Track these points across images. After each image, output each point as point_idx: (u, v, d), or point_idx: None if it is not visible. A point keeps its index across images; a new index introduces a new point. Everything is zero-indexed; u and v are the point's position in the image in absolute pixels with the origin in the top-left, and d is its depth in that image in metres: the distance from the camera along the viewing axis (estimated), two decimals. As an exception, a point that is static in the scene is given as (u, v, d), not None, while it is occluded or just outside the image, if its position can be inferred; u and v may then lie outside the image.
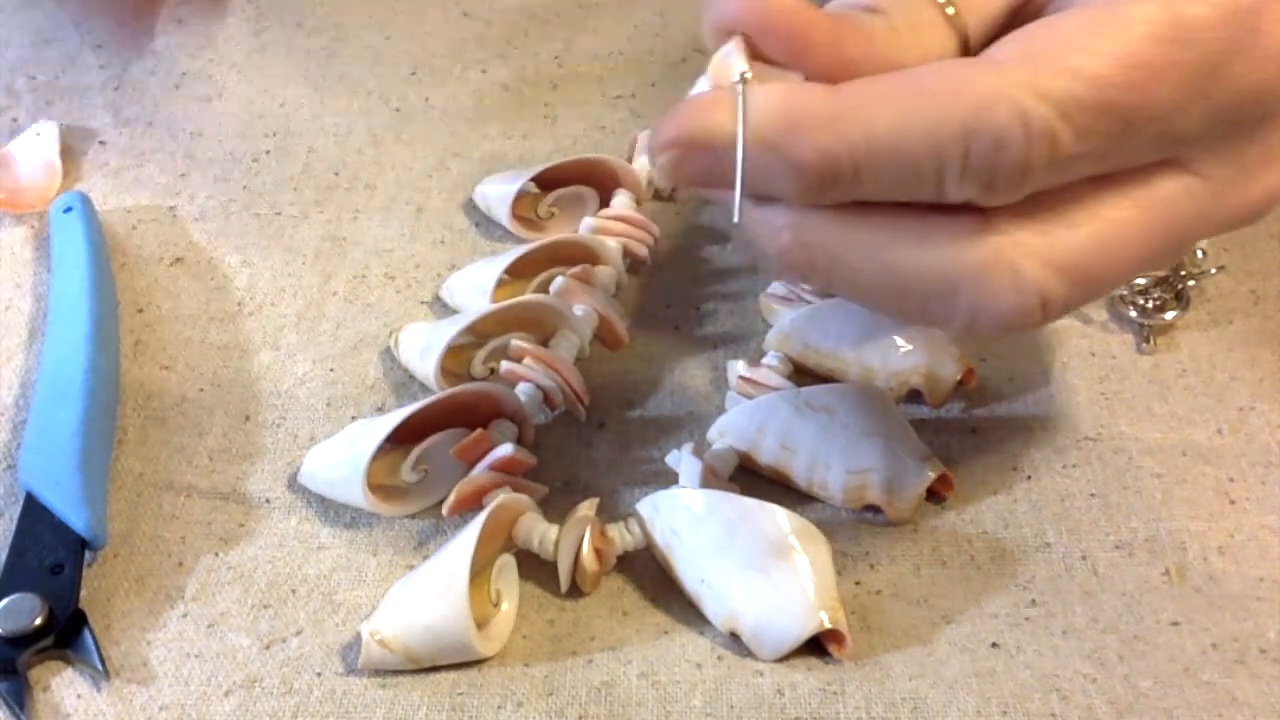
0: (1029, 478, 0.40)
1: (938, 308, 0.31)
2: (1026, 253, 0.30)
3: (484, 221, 0.51)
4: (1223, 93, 0.30)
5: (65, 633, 0.35)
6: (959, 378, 0.42)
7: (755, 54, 0.30)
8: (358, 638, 0.35)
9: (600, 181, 0.50)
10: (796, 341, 0.43)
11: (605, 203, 0.50)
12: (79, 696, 0.34)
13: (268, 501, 0.40)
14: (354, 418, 0.42)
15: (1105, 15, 0.29)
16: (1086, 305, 0.46)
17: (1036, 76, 0.28)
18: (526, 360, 0.42)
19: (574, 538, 0.37)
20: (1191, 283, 0.46)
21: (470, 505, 0.38)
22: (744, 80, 0.29)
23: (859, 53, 0.30)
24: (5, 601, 0.36)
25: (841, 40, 0.30)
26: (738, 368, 0.42)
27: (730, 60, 0.30)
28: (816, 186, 0.29)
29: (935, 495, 0.40)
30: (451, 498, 0.38)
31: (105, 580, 0.37)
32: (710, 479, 0.38)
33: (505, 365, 0.42)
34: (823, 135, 0.29)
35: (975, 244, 0.30)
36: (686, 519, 0.36)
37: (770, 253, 0.31)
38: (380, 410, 0.43)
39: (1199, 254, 0.47)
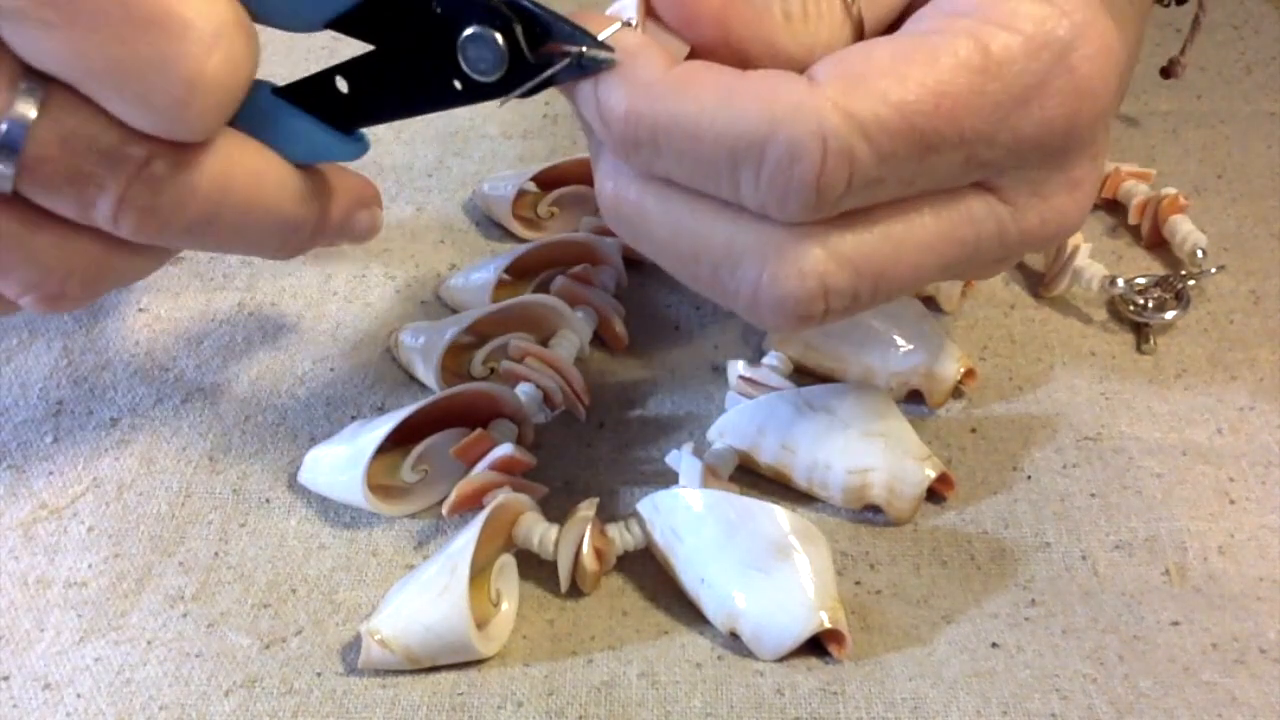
0: (1029, 478, 0.40)
1: (725, 280, 0.31)
2: (815, 242, 0.30)
3: (484, 221, 0.51)
4: (1029, 124, 0.30)
5: None
6: (959, 378, 0.42)
7: (651, 13, 0.31)
8: (358, 638, 0.35)
9: (600, 181, 0.50)
10: (796, 341, 0.43)
11: (605, 203, 0.50)
12: (79, 696, 0.34)
13: (268, 501, 0.40)
14: (354, 418, 0.42)
15: (917, 43, 0.30)
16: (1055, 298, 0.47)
17: (846, 96, 0.29)
18: (526, 360, 0.42)
19: (574, 538, 0.37)
20: (1191, 283, 0.46)
21: (470, 505, 0.38)
22: (624, 24, 0.31)
23: (747, 33, 0.31)
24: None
25: (729, 18, 0.31)
26: (738, 368, 0.42)
27: (623, 6, 0.31)
28: (619, 144, 0.30)
29: (935, 495, 0.40)
30: (451, 498, 0.38)
31: (106, 581, 0.37)
32: (710, 479, 0.38)
33: (505, 365, 0.42)
34: (635, 98, 0.30)
35: (765, 225, 0.30)
36: (686, 519, 0.36)
37: (597, 191, 0.33)
38: (380, 410, 0.43)
39: (1199, 254, 0.47)
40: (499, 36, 0.30)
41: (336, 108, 0.33)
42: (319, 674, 0.35)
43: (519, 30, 0.30)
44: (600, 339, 0.45)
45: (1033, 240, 0.33)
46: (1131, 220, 0.50)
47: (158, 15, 0.28)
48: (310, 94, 0.33)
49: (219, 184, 0.32)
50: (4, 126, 0.29)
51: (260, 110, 0.32)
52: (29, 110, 0.29)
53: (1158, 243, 0.49)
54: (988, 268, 0.34)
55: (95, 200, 0.31)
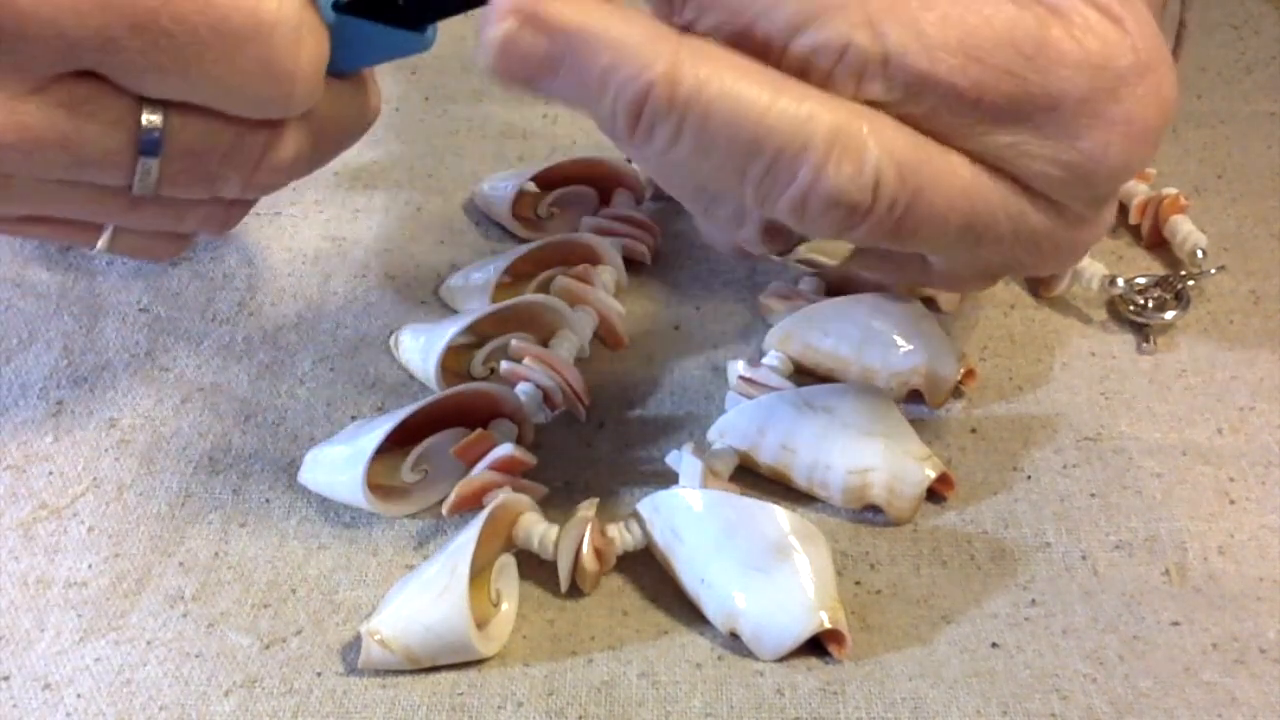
0: (1029, 478, 0.40)
1: (782, 168, 0.29)
2: (878, 135, 0.29)
3: (484, 221, 0.51)
4: (1048, 128, 0.30)
5: None
6: (959, 378, 0.42)
7: None
8: (358, 638, 0.35)
9: (600, 181, 0.50)
10: (796, 341, 0.43)
11: (605, 202, 0.50)
12: (79, 696, 0.34)
13: (268, 501, 0.40)
14: (354, 418, 0.42)
15: None
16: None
17: (886, 14, 0.28)
18: (526, 360, 0.42)
19: (574, 538, 0.37)
20: (1191, 283, 0.46)
21: (470, 505, 0.38)
22: None
23: None
24: None
25: None
26: (738, 368, 0.42)
27: None
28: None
29: (935, 495, 0.40)
30: (451, 498, 0.38)
31: (106, 581, 0.37)
32: (710, 479, 0.38)
33: (505, 365, 0.42)
34: None
35: (837, 104, 0.29)
36: (686, 519, 0.36)
37: (635, 85, 0.29)
38: (380, 410, 0.43)
39: (1199, 254, 0.47)
40: None
41: (395, 12, 0.34)
42: (319, 674, 0.35)
43: None
44: (600, 339, 0.45)
45: (1055, 255, 0.33)
46: (1131, 220, 0.50)
47: (248, 27, 0.30)
48: (368, 3, 0.34)
49: (317, 132, 0.35)
50: (141, 155, 0.32)
51: (328, 25, 0.33)
52: (156, 132, 0.32)
53: (1158, 243, 0.49)
54: (991, 245, 0.33)
55: (223, 188, 0.34)
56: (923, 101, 0.29)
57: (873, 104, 0.30)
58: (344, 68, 0.34)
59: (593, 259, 0.46)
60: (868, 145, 0.29)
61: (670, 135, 0.29)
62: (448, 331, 0.42)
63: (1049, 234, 0.32)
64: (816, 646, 0.35)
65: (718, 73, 0.29)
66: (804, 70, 0.29)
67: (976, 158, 0.31)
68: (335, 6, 0.33)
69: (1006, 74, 0.29)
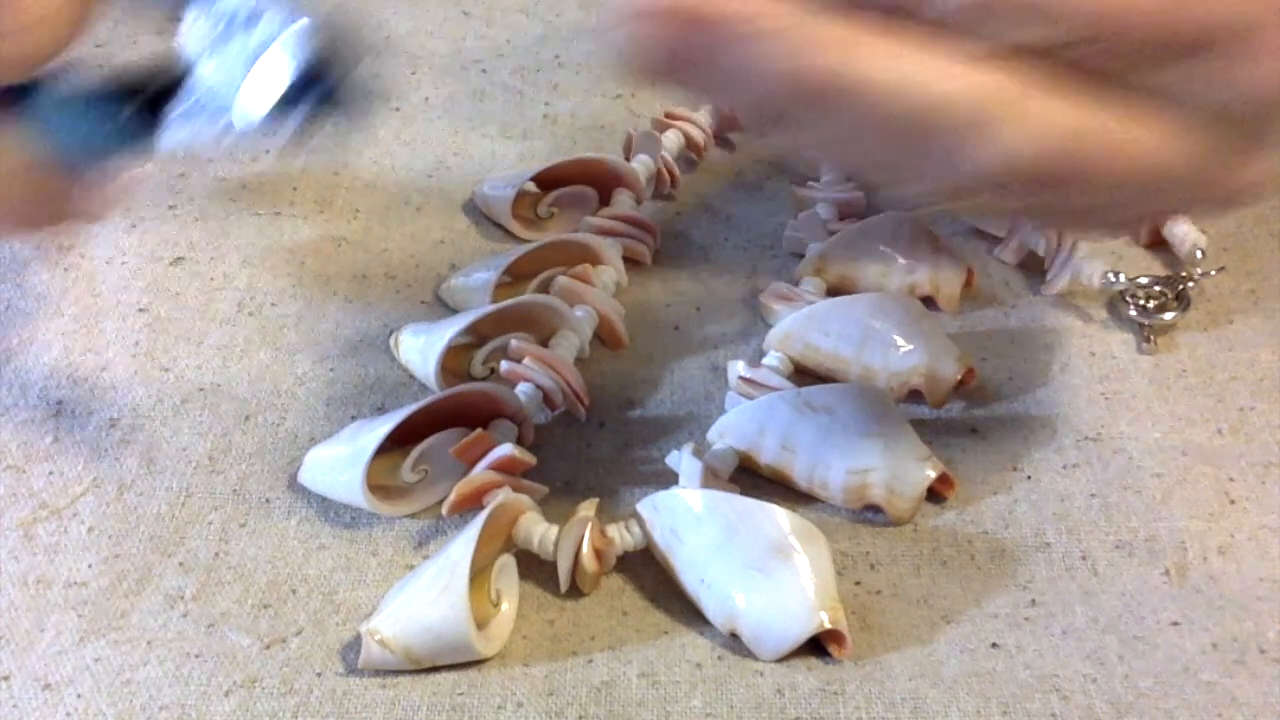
0: (1029, 478, 0.40)
1: (935, 147, 0.28)
2: (1039, 106, 0.28)
3: (484, 221, 0.51)
4: (1220, 60, 0.28)
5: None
6: (959, 378, 0.42)
7: None
8: (358, 638, 0.35)
9: (600, 181, 0.50)
10: (796, 341, 0.43)
11: (605, 202, 0.50)
12: (79, 696, 0.34)
13: (268, 501, 0.40)
14: (354, 418, 0.42)
15: None
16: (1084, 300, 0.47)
17: None
18: (526, 360, 0.42)
19: (574, 538, 0.37)
20: (1191, 283, 0.46)
21: (470, 505, 0.38)
22: None
23: None
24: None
25: None
26: (738, 368, 0.42)
27: None
28: None
29: (935, 495, 0.40)
30: (451, 498, 0.38)
31: (106, 581, 0.37)
32: (710, 479, 0.38)
33: (505, 365, 0.42)
34: None
35: (993, 80, 0.28)
36: (686, 519, 0.36)
37: (786, 71, 0.27)
38: (380, 410, 0.43)
39: (1199, 254, 0.47)
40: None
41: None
42: (319, 674, 0.35)
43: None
44: (600, 339, 0.45)
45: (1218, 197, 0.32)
46: (1131, 220, 0.50)
47: None
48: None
49: None
50: None
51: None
52: None
53: (1158, 242, 0.49)
54: (1166, 196, 0.31)
55: None
56: (1088, 44, 0.28)
57: (1033, 51, 0.28)
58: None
59: (593, 259, 0.46)
60: (1028, 118, 0.28)
61: (821, 118, 0.28)
62: (448, 331, 0.42)
63: (1212, 176, 0.30)
64: (816, 646, 0.35)
65: (870, 54, 0.27)
66: (958, 18, 0.27)
67: (1146, 98, 0.29)
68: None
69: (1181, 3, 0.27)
